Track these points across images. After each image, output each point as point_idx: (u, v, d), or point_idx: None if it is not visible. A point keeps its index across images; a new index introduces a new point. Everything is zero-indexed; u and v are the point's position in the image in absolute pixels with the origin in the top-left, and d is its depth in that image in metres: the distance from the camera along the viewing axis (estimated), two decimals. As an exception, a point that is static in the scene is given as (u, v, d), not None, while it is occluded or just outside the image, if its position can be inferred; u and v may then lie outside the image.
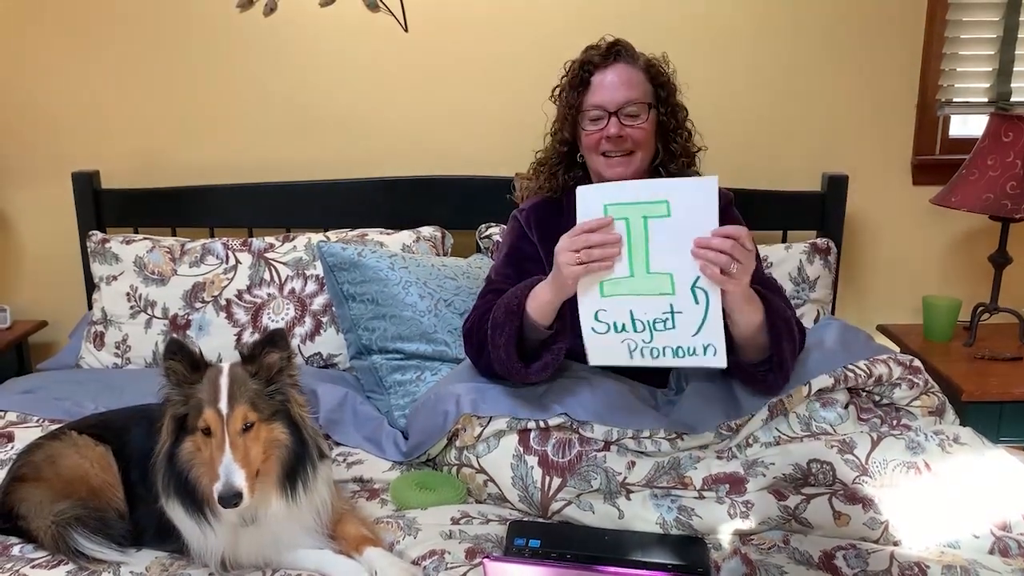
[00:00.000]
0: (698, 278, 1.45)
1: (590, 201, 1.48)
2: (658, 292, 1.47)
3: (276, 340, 1.45)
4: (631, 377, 1.82)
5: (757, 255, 1.76)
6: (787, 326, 1.61)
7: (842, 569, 1.35)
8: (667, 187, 1.46)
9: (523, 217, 1.87)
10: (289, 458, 1.41)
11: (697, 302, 1.47)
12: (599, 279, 1.49)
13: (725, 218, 1.73)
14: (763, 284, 1.72)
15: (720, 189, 1.78)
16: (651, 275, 1.47)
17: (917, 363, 1.80)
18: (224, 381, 1.36)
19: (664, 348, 1.51)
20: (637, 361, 1.53)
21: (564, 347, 1.64)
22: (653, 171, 1.80)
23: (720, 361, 1.49)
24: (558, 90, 1.79)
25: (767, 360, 1.62)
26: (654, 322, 1.49)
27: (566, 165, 1.85)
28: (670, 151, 1.78)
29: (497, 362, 1.67)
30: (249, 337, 2.26)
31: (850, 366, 1.74)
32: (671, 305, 1.48)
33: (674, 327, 1.49)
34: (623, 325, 1.51)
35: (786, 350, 1.61)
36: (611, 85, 1.70)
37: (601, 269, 1.47)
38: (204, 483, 1.36)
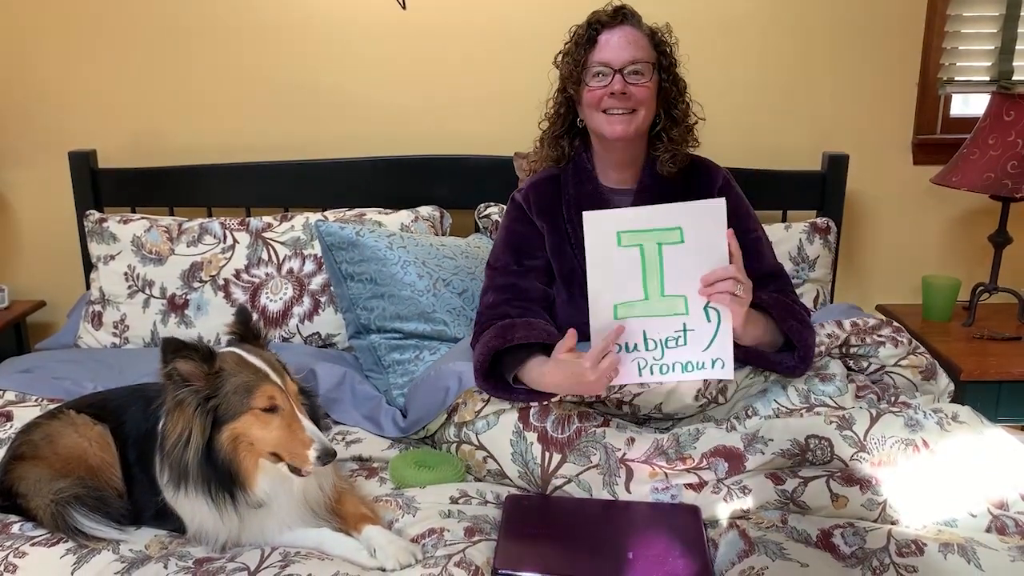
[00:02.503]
0: None
1: (602, 226, 1.51)
2: (672, 313, 1.53)
3: (250, 315, 1.50)
4: None
5: (766, 239, 1.86)
6: (800, 318, 1.71)
7: (840, 547, 1.36)
8: (679, 212, 1.49)
9: (521, 197, 1.87)
10: None
11: (709, 320, 1.52)
12: (612, 303, 1.53)
13: (724, 199, 1.76)
14: (770, 273, 1.78)
15: (717, 169, 1.86)
16: (665, 297, 1.52)
17: (895, 323, 1.89)
18: (256, 360, 1.39)
19: (674, 364, 1.56)
20: (646, 378, 1.58)
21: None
22: (655, 137, 1.81)
23: (728, 374, 1.55)
24: (561, 54, 1.82)
25: (785, 349, 1.72)
26: (666, 340, 1.55)
27: (568, 131, 1.86)
28: (672, 117, 1.81)
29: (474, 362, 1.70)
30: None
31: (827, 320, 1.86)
32: (684, 324, 1.53)
33: (686, 344, 1.54)
34: (635, 345, 1.56)
35: (808, 337, 1.70)
36: (617, 44, 1.73)
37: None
38: (247, 465, 1.36)
